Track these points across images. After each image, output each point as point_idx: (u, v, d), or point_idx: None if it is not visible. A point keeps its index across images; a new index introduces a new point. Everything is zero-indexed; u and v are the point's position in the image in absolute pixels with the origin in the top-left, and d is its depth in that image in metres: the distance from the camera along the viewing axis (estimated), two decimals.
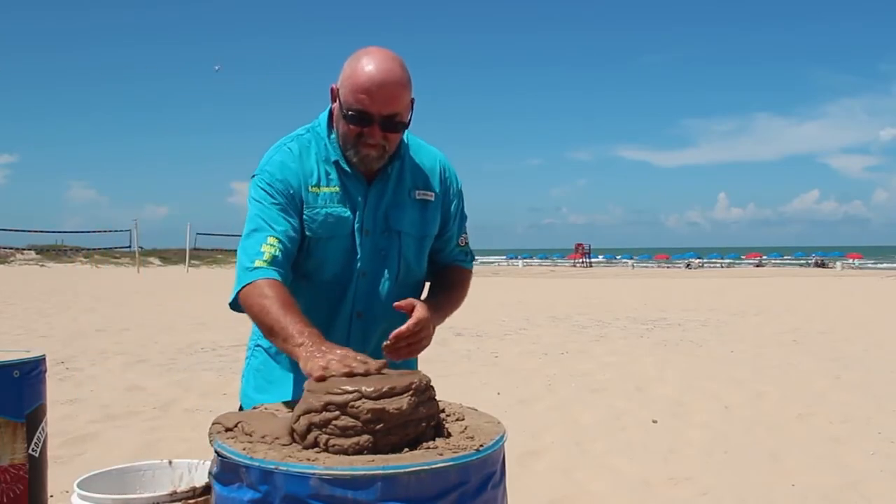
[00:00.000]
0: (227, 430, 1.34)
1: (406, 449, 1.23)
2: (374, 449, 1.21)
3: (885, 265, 50.92)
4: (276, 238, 1.67)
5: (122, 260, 40.57)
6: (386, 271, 1.80)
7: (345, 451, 1.20)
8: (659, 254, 75.46)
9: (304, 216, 1.75)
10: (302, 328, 1.49)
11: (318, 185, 1.77)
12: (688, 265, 56.14)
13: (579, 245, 58.91)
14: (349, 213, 1.77)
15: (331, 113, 1.79)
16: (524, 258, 71.08)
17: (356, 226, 1.77)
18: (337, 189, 1.77)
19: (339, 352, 1.41)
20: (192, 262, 38.06)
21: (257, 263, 1.63)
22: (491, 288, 22.43)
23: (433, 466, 1.14)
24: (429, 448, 1.24)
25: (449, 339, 9.57)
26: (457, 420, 1.41)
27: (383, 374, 1.35)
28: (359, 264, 1.78)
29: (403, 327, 1.61)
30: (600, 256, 70.84)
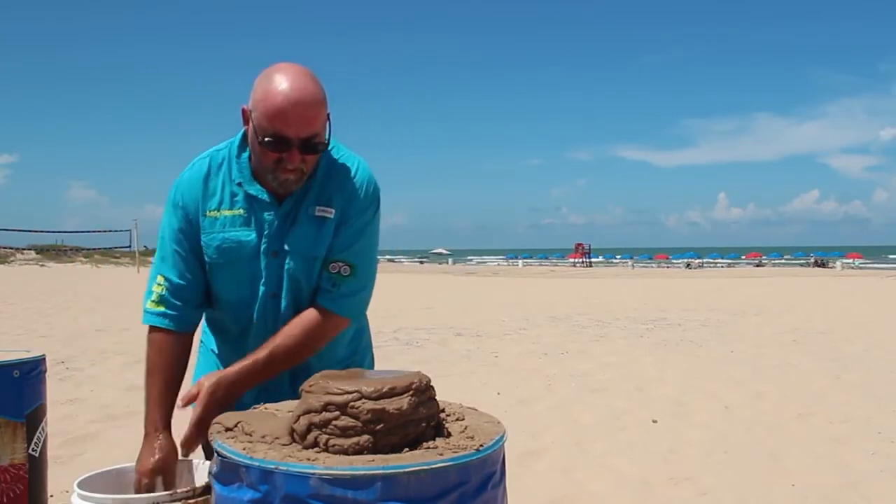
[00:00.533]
0: (227, 429, 1.34)
1: (406, 449, 1.23)
2: (374, 449, 1.21)
3: (885, 265, 50.92)
4: (164, 277, 1.75)
5: (122, 260, 40.57)
6: (291, 293, 1.75)
7: (345, 451, 1.20)
8: (659, 254, 75.43)
9: (202, 241, 1.74)
10: (152, 416, 1.68)
11: (218, 208, 1.73)
12: (688, 265, 56.16)
13: (579, 245, 58.96)
14: (252, 235, 1.72)
15: (245, 112, 1.71)
16: (524, 258, 71.11)
17: (262, 248, 1.72)
18: (241, 212, 1.72)
19: (151, 460, 1.61)
20: None
21: (149, 305, 1.76)
22: (491, 288, 22.43)
23: (433, 466, 1.14)
24: (429, 448, 1.24)
25: (449, 339, 9.57)
26: (457, 420, 1.41)
27: (383, 373, 1.35)
28: (263, 288, 1.75)
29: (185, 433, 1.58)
30: (600, 256, 70.85)
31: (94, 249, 43.36)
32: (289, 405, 1.50)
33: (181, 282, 1.75)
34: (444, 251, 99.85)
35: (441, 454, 1.18)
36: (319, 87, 1.63)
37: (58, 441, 4.25)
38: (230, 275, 1.75)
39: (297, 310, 1.74)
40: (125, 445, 4.49)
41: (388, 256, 76.31)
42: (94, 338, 9.64)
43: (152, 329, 1.76)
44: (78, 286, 22.07)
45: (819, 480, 3.98)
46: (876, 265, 52.09)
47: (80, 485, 1.57)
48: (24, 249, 40.84)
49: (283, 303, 1.75)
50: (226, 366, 1.77)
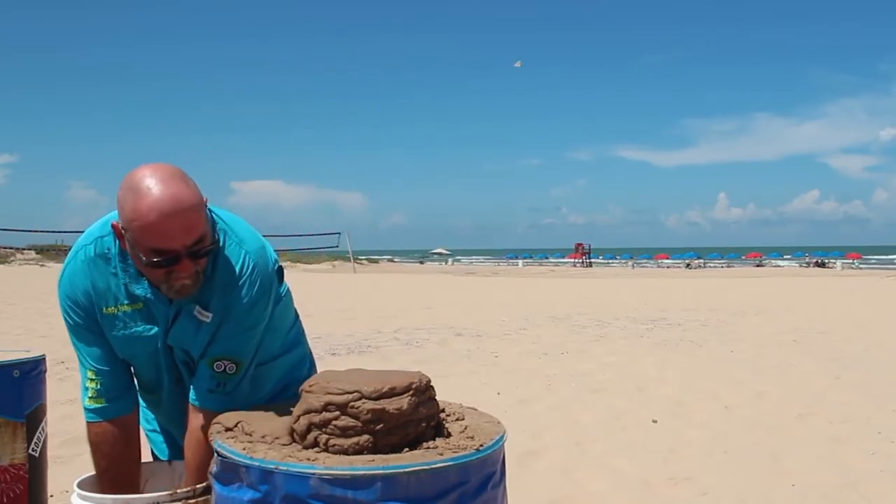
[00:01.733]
0: (228, 429, 1.34)
1: (406, 449, 1.23)
2: (375, 449, 1.21)
3: (885, 265, 50.91)
4: (94, 371, 1.69)
5: None
6: (185, 384, 1.74)
7: (345, 451, 1.20)
8: (659, 254, 75.42)
9: (106, 336, 1.69)
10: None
11: (115, 305, 1.65)
12: (688, 265, 56.14)
13: (579, 245, 58.93)
14: (154, 329, 1.67)
15: (116, 229, 1.57)
16: (524, 258, 71.09)
17: (159, 345, 1.69)
18: (141, 306, 1.64)
19: None
20: None
21: (88, 402, 1.71)
22: (491, 288, 22.42)
23: (433, 466, 1.14)
24: (429, 448, 1.24)
25: (449, 339, 9.57)
26: (457, 420, 1.41)
27: (383, 373, 1.35)
28: (167, 376, 1.76)
29: None
30: (600, 256, 70.82)
31: None
32: (289, 405, 1.50)
33: (110, 369, 1.70)
34: (444, 251, 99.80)
35: (441, 454, 1.18)
36: (191, 187, 1.51)
37: (58, 441, 4.25)
38: (138, 364, 1.76)
39: (182, 403, 1.73)
40: None
41: (387, 257, 76.31)
42: None
43: (95, 425, 1.70)
44: None
45: (819, 480, 3.97)
46: (876, 265, 52.11)
47: (80, 485, 1.57)
48: (24, 249, 40.80)
49: (187, 388, 1.72)
50: (154, 413, 1.93)
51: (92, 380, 1.69)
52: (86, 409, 1.71)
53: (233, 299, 1.62)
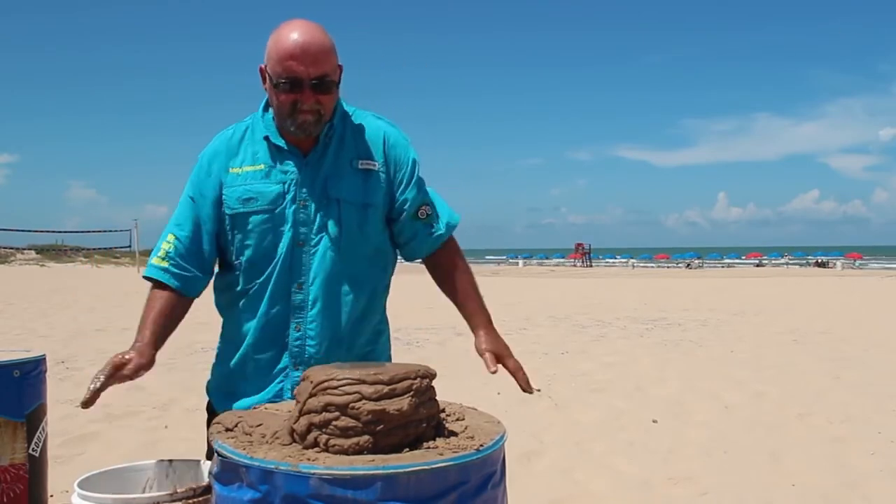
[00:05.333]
0: (227, 429, 1.34)
1: (406, 449, 1.23)
2: (375, 449, 1.21)
3: (885, 265, 50.89)
4: (174, 236, 1.81)
5: (122, 260, 40.57)
6: (326, 241, 1.76)
7: (345, 452, 1.20)
8: (659, 254, 75.41)
9: (223, 196, 1.79)
10: (142, 332, 1.72)
11: (240, 165, 1.79)
12: (688, 265, 56.13)
13: (579, 245, 58.95)
14: (273, 187, 1.76)
15: (262, 71, 1.77)
16: (524, 258, 71.07)
17: (288, 197, 1.75)
18: (262, 167, 1.78)
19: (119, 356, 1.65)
20: None
21: (154, 260, 1.81)
22: (491, 288, 22.43)
23: (433, 466, 1.14)
24: (429, 448, 1.24)
25: (449, 339, 9.56)
26: (457, 420, 1.41)
27: (387, 367, 1.34)
28: (290, 234, 1.76)
29: (519, 384, 1.82)
30: (600, 256, 70.82)
31: (94, 249, 43.32)
32: (288, 405, 1.50)
33: (190, 243, 1.79)
34: None
35: (441, 454, 1.18)
36: (327, 35, 1.70)
37: (58, 441, 4.25)
38: (251, 225, 1.76)
39: (323, 258, 1.75)
40: (125, 445, 4.49)
41: None
42: (94, 338, 9.64)
43: (153, 285, 1.79)
44: (78, 286, 22.07)
45: (819, 480, 3.97)
46: (872, 265, 52.07)
47: (80, 485, 1.57)
48: (24, 249, 40.83)
49: (313, 251, 1.76)
50: (237, 349, 1.82)
51: (169, 242, 1.80)
52: (148, 264, 1.82)
53: (392, 148, 1.81)
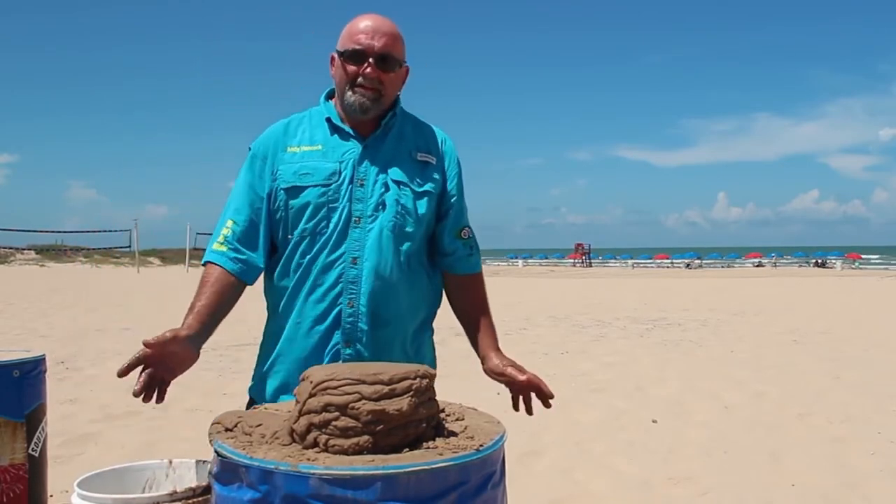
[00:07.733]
0: (227, 430, 1.34)
1: (406, 449, 1.23)
2: (375, 449, 1.21)
3: (885, 265, 50.88)
4: (233, 221, 1.82)
5: (122, 260, 40.56)
6: (382, 219, 1.76)
7: (345, 452, 1.20)
8: (659, 254, 75.36)
9: (278, 172, 1.80)
10: (187, 320, 1.69)
11: (298, 145, 1.83)
12: (688, 265, 56.10)
13: (579, 245, 58.90)
14: (329, 164, 1.78)
15: (333, 59, 1.84)
16: (524, 258, 71.06)
17: (345, 174, 1.77)
18: (320, 147, 1.81)
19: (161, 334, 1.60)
20: (192, 262, 38.01)
21: (214, 246, 1.81)
22: (491, 288, 22.32)
23: (433, 466, 1.14)
24: (429, 448, 1.24)
25: (449, 339, 9.53)
26: (457, 420, 1.41)
27: (387, 367, 1.34)
28: (345, 211, 1.76)
29: (544, 390, 1.99)
30: (600, 256, 70.78)
31: (94, 249, 43.31)
32: (288, 405, 1.50)
33: (248, 227, 1.81)
34: None
35: (441, 454, 1.18)
36: (399, 30, 1.81)
37: (58, 441, 4.25)
38: (306, 199, 1.76)
39: (379, 235, 1.76)
40: (125, 445, 4.49)
41: None
42: (94, 338, 9.64)
43: (206, 272, 1.79)
44: (78, 286, 22.07)
45: (819, 480, 3.98)
46: (875, 263, 52.09)
47: (80, 485, 1.57)
48: (24, 249, 40.81)
49: (368, 228, 1.76)
50: (290, 329, 1.80)
51: (227, 227, 1.81)
52: (207, 251, 1.83)
53: (450, 155, 1.90)
